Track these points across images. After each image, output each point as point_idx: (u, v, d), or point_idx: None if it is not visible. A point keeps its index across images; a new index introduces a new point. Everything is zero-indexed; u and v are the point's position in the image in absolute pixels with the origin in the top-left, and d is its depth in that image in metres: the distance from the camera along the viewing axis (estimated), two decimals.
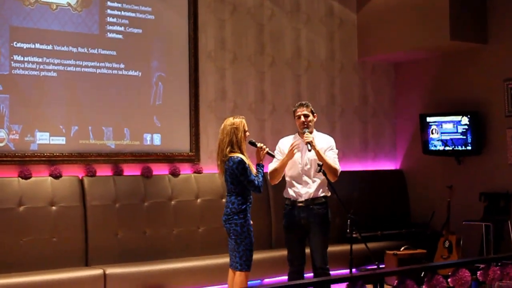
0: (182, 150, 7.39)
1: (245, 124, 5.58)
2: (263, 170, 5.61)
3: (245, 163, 5.43)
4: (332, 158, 5.75)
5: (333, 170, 5.68)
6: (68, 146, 6.72)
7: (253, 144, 5.67)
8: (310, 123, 5.78)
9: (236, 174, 5.42)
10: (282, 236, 6.07)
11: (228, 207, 5.50)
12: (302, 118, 5.77)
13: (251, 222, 5.54)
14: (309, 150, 5.62)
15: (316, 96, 8.44)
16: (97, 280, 6.14)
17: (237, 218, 5.42)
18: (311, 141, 5.60)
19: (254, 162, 5.64)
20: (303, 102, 5.89)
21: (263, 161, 5.65)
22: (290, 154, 5.68)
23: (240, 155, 5.44)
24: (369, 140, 9.01)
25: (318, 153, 5.61)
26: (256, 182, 5.46)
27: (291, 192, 5.79)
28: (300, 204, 5.71)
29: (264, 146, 5.65)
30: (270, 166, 5.85)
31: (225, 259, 5.74)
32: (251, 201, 5.55)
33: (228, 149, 5.46)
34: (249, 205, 5.52)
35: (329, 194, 5.79)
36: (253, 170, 5.51)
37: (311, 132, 5.80)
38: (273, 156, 5.80)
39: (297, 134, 5.88)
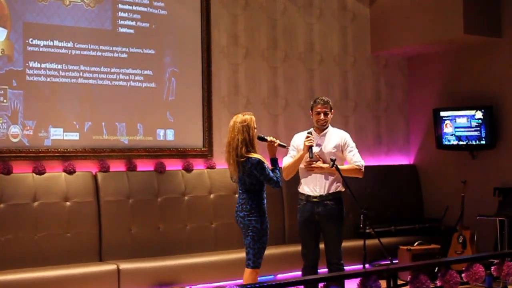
0: (195, 146, 7.39)
1: (254, 120, 5.46)
2: (278, 164, 5.51)
3: (263, 162, 5.34)
4: (352, 158, 5.74)
5: (355, 172, 5.73)
6: (82, 142, 6.75)
7: (262, 139, 5.54)
8: (327, 121, 5.77)
9: (255, 175, 5.35)
10: (295, 231, 6.05)
11: (247, 203, 5.37)
12: (322, 116, 5.75)
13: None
14: (310, 157, 5.62)
15: (329, 91, 8.41)
16: (111, 275, 6.17)
17: (257, 215, 5.36)
18: (312, 146, 5.61)
19: (266, 157, 5.51)
20: (325, 99, 5.79)
21: (276, 154, 5.56)
22: (305, 148, 5.65)
23: (257, 156, 5.35)
24: (383, 135, 8.98)
25: (340, 172, 5.60)
26: (275, 178, 5.38)
27: (305, 187, 5.77)
28: (315, 200, 5.70)
29: (275, 139, 5.57)
30: (285, 161, 5.81)
31: (238, 255, 5.75)
32: (265, 198, 5.50)
33: (244, 149, 5.33)
34: (265, 202, 5.47)
35: (344, 189, 5.76)
36: (269, 165, 5.44)
37: (325, 128, 5.80)
38: (285, 147, 5.73)
39: (312, 129, 5.84)
